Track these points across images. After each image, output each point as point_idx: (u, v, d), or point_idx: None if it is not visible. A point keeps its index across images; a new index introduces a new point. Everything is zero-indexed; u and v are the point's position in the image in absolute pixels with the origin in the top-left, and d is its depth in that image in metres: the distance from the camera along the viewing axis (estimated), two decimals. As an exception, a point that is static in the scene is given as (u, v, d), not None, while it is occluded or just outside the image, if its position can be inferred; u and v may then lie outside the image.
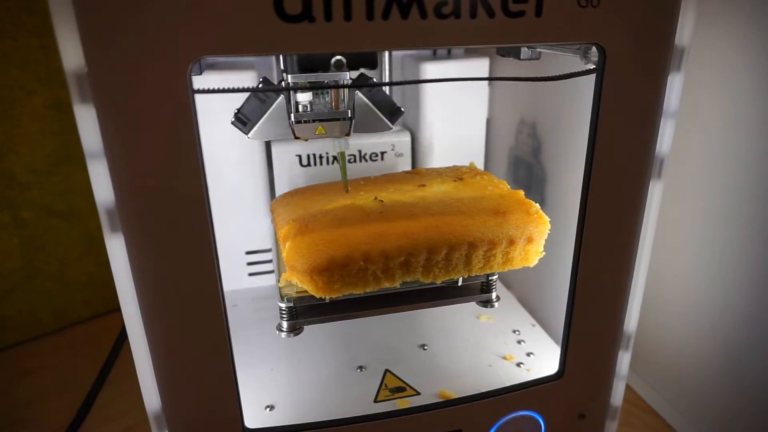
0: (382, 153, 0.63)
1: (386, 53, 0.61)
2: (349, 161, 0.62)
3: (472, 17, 0.33)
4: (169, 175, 0.33)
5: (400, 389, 0.49)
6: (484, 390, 0.47)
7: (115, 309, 0.90)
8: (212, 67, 0.57)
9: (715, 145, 0.56)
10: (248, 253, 0.66)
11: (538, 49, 0.47)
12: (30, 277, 0.83)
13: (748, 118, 0.53)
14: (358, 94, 0.45)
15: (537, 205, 0.46)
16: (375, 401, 0.48)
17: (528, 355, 0.54)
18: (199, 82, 0.34)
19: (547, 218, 0.45)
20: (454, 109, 0.64)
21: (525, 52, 0.47)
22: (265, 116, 0.44)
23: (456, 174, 0.52)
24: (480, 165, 0.67)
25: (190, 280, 0.36)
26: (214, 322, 0.37)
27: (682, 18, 0.37)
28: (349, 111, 0.45)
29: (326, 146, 0.61)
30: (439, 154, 0.65)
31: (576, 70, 0.41)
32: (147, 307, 0.36)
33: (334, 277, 0.41)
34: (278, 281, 0.46)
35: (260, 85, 0.48)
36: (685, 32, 0.38)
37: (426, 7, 0.32)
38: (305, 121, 0.44)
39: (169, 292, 0.36)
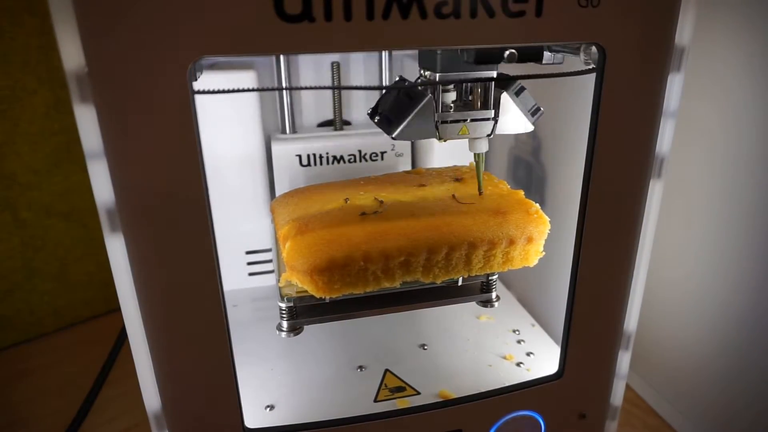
0: (382, 153, 0.63)
1: (386, 53, 0.61)
2: (350, 161, 0.62)
3: (472, 17, 0.33)
4: (169, 175, 0.33)
5: (400, 389, 0.49)
6: (484, 390, 0.47)
7: (115, 309, 0.89)
8: (212, 67, 0.57)
9: (715, 145, 0.56)
10: (248, 253, 0.66)
11: (560, 54, 0.45)
12: (30, 277, 0.83)
13: (747, 118, 0.53)
14: (505, 93, 0.43)
15: (537, 205, 0.46)
16: (375, 401, 0.48)
17: (528, 354, 0.54)
18: (199, 82, 0.34)
19: (547, 218, 0.45)
20: (454, 109, 0.64)
21: (547, 56, 0.44)
22: (411, 116, 0.42)
23: (456, 174, 0.52)
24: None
25: (190, 280, 0.36)
26: (214, 322, 0.37)
27: (682, 18, 0.37)
28: (494, 111, 0.43)
29: (326, 146, 0.61)
30: (439, 154, 0.65)
31: (575, 70, 0.41)
32: (147, 307, 0.36)
33: (334, 277, 0.41)
34: (278, 281, 0.46)
35: (405, 83, 0.46)
36: (685, 32, 0.38)
37: (426, 7, 0.32)
38: (452, 121, 0.42)
39: (169, 292, 0.36)
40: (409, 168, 0.65)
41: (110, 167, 0.32)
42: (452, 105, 0.43)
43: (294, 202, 0.49)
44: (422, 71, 0.44)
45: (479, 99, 0.43)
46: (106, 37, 0.29)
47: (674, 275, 0.63)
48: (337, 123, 0.64)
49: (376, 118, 0.44)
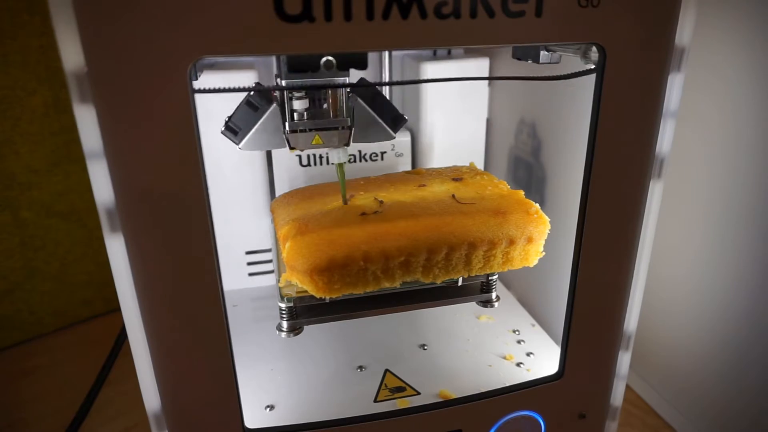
0: (382, 153, 0.63)
1: (386, 53, 0.61)
2: (350, 161, 0.62)
3: (472, 17, 0.33)
4: (169, 175, 0.33)
5: (400, 389, 0.49)
6: (484, 390, 0.47)
7: (115, 309, 0.90)
8: (212, 67, 0.57)
9: (714, 145, 0.56)
10: (248, 253, 0.66)
11: (558, 53, 0.45)
12: (30, 277, 0.83)
13: (747, 118, 0.53)
14: (359, 100, 0.42)
15: (537, 205, 0.46)
16: (375, 401, 0.48)
17: (528, 355, 0.54)
18: (199, 82, 0.34)
19: (547, 218, 0.45)
20: (454, 109, 0.64)
21: (544, 55, 0.44)
22: (257, 125, 0.41)
23: (456, 174, 0.52)
24: (480, 165, 0.67)
25: (190, 280, 0.36)
26: (214, 322, 0.37)
27: (682, 18, 0.37)
28: (349, 119, 0.41)
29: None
30: (439, 154, 0.65)
31: (576, 70, 0.41)
32: (147, 307, 0.36)
33: (334, 277, 0.41)
34: (278, 281, 0.46)
35: (252, 92, 0.44)
36: (685, 32, 0.38)
37: (426, 7, 0.32)
38: (301, 130, 0.41)
39: (169, 292, 0.36)
40: (409, 168, 0.65)
41: (110, 167, 0.32)
42: (304, 113, 0.40)
43: (294, 202, 0.49)
44: (276, 77, 0.42)
45: (331, 107, 0.41)
46: (106, 37, 0.29)
47: (674, 275, 0.63)
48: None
49: (222, 128, 0.43)
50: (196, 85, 0.32)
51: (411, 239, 0.42)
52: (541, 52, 0.45)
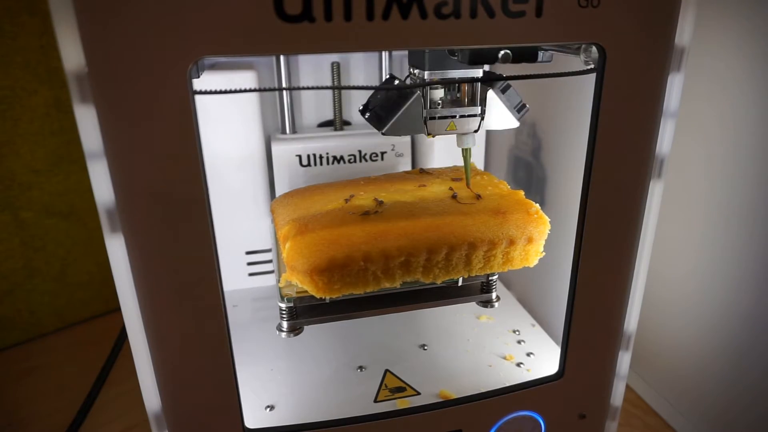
0: (382, 153, 0.63)
1: (386, 53, 0.61)
2: (350, 161, 0.62)
3: (472, 17, 0.33)
4: (170, 175, 0.33)
5: (400, 389, 0.49)
6: (484, 390, 0.47)
7: (115, 309, 0.90)
8: (212, 67, 0.57)
9: (714, 145, 0.56)
10: (248, 253, 0.66)
11: (549, 52, 0.45)
12: (30, 277, 0.83)
13: (747, 118, 0.53)
14: (491, 90, 0.45)
15: (537, 205, 0.46)
16: (375, 401, 0.48)
17: (528, 355, 0.54)
18: (199, 82, 0.34)
19: (547, 218, 0.45)
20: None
21: (540, 55, 0.45)
22: (401, 112, 0.44)
23: (456, 174, 0.52)
24: (480, 165, 0.67)
25: (190, 280, 0.36)
26: (214, 322, 0.37)
27: (682, 18, 0.37)
28: (480, 107, 0.45)
29: (326, 146, 0.61)
30: (439, 154, 0.65)
31: (576, 70, 0.41)
32: (147, 307, 0.36)
33: (334, 278, 0.41)
34: (278, 281, 0.46)
35: (387, 81, 0.48)
36: (685, 32, 0.38)
37: (426, 8, 0.32)
38: (439, 117, 0.44)
39: (169, 292, 0.36)
40: (409, 168, 0.65)
41: (110, 167, 0.32)
42: (440, 101, 0.44)
43: (294, 202, 0.49)
44: (411, 69, 0.45)
45: (466, 96, 0.44)
46: (106, 37, 0.29)
47: (674, 275, 0.63)
48: (337, 123, 0.64)
49: (367, 115, 0.46)
50: (197, 85, 0.32)
51: (411, 239, 0.42)
52: (539, 53, 0.45)
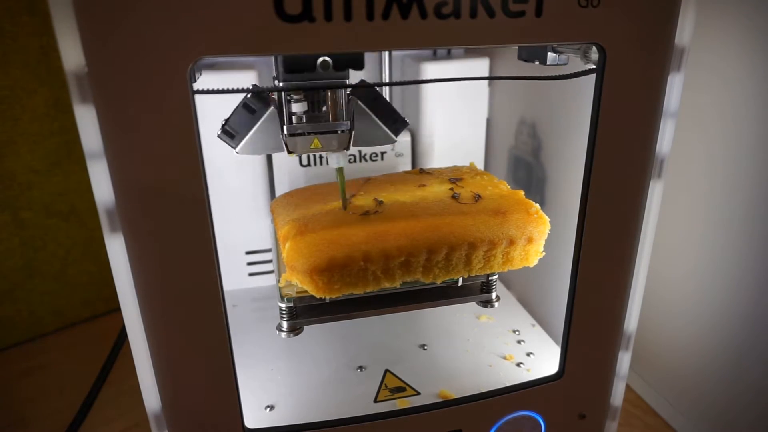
0: (382, 153, 0.63)
1: (386, 53, 0.61)
2: (350, 161, 0.62)
3: (472, 17, 0.33)
4: (169, 175, 0.33)
5: (400, 389, 0.49)
6: (484, 390, 0.47)
7: (115, 309, 0.90)
8: (212, 67, 0.57)
9: (715, 145, 0.56)
10: (248, 253, 0.66)
11: (566, 54, 0.44)
12: (30, 277, 0.83)
13: (747, 118, 0.53)
14: (359, 103, 0.41)
15: (537, 205, 0.46)
16: (375, 401, 0.48)
17: (528, 355, 0.54)
18: (199, 82, 0.34)
19: (547, 218, 0.45)
20: (454, 109, 0.64)
21: (552, 57, 0.43)
22: (255, 129, 0.41)
23: (456, 174, 0.52)
24: (480, 165, 0.67)
25: (190, 280, 0.36)
26: (214, 322, 0.37)
27: (682, 18, 0.37)
28: (349, 122, 0.41)
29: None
30: (439, 154, 0.65)
31: (576, 70, 0.41)
32: (147, 307, 0.36)
33: (334, 277, 0.41)
34: (278, 281, 0.46)
35: (249, 94, 0.43)
36: (685, 32, 0.38)
37: (426, 7, 0.32)
38: (299, 134, 0.40)
39: (169, 292, 0.36)
40: (409, 168, 0.65)
41: (110, 167, 0.32)
42: (302, 116, 0.40)
43: (294, 202, 0.49)
44: (274, 79, 0.41)
45: (331, 111, 0.40)
46: (106, 37, 0.29)
47: (674, 275, 0.63)
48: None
49: (218, 132, 0.42)
50: (196, 85, 0.32)
51: (411, 239, 0.42)
52: (549, 54, 0.43)
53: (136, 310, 0.36)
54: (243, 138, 0.41)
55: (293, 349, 0.55)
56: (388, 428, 0.45)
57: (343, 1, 0.31)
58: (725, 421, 0.59)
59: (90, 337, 0.86)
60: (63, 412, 0.67)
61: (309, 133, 0.40)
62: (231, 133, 0.41)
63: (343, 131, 0.40)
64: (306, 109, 0.40)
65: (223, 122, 0.43)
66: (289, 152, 0.40)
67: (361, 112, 0.42)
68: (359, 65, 0.37)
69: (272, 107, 0.41)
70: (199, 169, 0.33)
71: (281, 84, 0.39)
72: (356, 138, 0.42)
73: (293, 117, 0.39)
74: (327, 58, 0.36)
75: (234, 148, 0.41)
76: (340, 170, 0.44)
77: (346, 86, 0.40)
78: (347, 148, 0.42)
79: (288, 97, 0.39)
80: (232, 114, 0.43)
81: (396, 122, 0.43)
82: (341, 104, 0.41)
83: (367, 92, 0.43)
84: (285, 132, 0.40)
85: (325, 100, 0.40)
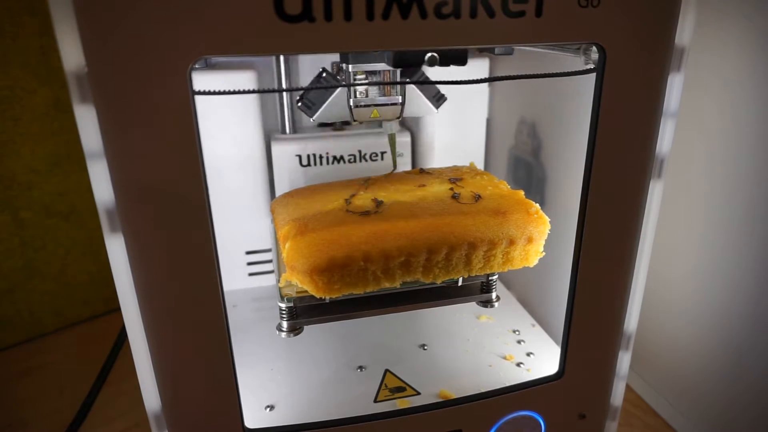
0: (382, 153, 0.63)
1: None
2: (350, 161, 0.62)
3: (472, 17, 0.33)
4: (169, 175, 0.33)
5: (400, 389, 0.49)
6: (484, 390, 0.47)
7: (115, 309, 0.90)
8: (212, 67, 0.57)
9: (715, 145, 0.56)
10: (248, 253, 0.66)
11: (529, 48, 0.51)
12: (30, 277, 0.83)
13: (747, 118, 0.53)
14: (408, 81, 0.49)
15: (537, 205, 0.46)
16: (375, 401, 0.48)
17: (528, 355, 0.54)
18: (199, 82, 0.34)
19: (547, 218, 0.45)
20: (454, 109, 0.64)
21: (498, 48, 0.51)
22: (329, 101, 0.49)
23: (456, 174, 0.52)
24: (480, 165, 0.67)
25: (190, 280, 0.36)
26: (214, 322, 0.37)
27: (682, 18, 0.37)
28: (400, 97, 0.49)
29: (326, 146, 0.61)
30: (439, 154, 0.65)
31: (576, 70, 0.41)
32: (147, 307, 0.36)
33: (334, 277, 0.41)
34: (278, 281, 0.46)
35: (321, 75, 0.52)
36: (685, 32, 0.38)
37: (426, 7, 0.32)
38: (363, 105, 0.48)
39: (169, 292, 0.36)
40: (409, 168, 0.65)
41: (110, 167, 0.32)
42: (364, 91, 0.48)
43: (294, 202, 0.49)
44: (341, 63, 0.49)
45: (386, 87, 0.49)
46: (106, 38, 0.29)
47: (674, 275, 0.63)
48: (337, 123, 0.64)
49: (299, 104, 0.51)
50: (196, 85, 0.32)
51: (411, 239, 0.42)
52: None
53: (136, 310, 0.36)
54: (318, 108, 0.49)
55: (293, 349, 0.55)
56: (388, 428, 0.45)
57: (343, 1, 0.31)
58: (725, 421, 0.59)
59: (90, 337, 0.86)
60: (63, 412, 0.67)
61: (369, 105, 0.48)
62: (308, 104, 0.50)
63: (395, 104, 0.49)
64: (367, 86, 0.48)
65: (300, 95, 0.51)
66: (354, 120, 0.49)
67: (410, 89, 0.50)
68: (463, 61, 0.42)
69: (343, 83, 0.49)
70: (199, 169, 0.33)
71: (350, 67, 0.46)
72: (405, 109, 0.50)
73: (357, 92, 0.48)
74: (435, 54, 0.41)
75: (311, 117, 0.50)
76: (392, 136, 0.52)
77: (399, 82, 0.49)
78: (399, 117, 0.50)
79: (354, 77, 0.47)
80: (309, 91, 0.51)
81: (438, 97, 0.52)
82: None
83: (416, 72, 0.52)
84: (351, 104, 0.48)
85: (383, 79, 0.49)
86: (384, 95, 0.49)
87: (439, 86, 0.53)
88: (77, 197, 0.84)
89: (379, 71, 0.47)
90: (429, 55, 0.41)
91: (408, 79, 0.50)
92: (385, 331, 0.58)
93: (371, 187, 0.50)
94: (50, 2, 0.29)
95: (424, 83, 0.51)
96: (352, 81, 0.47)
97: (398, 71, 0.48)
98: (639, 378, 0.71)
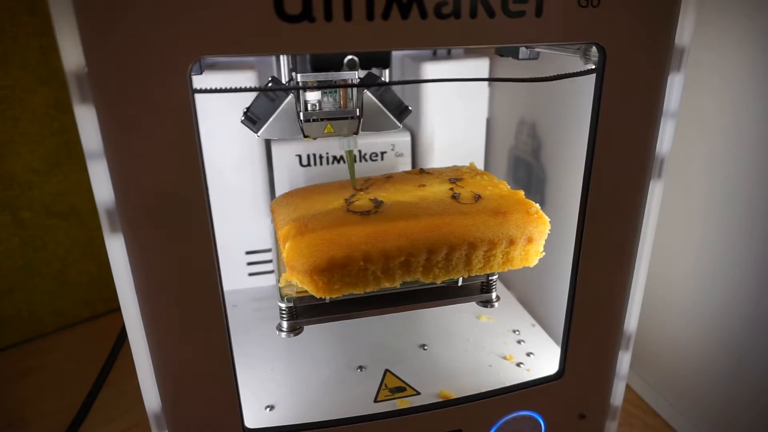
0: (382, 153, 0.63)
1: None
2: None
3: (472, 17, 0.33)
4: (169, 175, 0.33)
5: (400, 389, 0.49)
6: (484, 390, 0.47)
7: (115, 309, 0.90)
8: (212, 67, 0.57)
9: (715, 145, 0.56)
10: (248, 253, 0.66)
11: (537, 49, 0.47)
12: (30, 277, 0.83)
13: (748, 117, 0.53)
14: (367, 93, 0.45)
15: (537, 205, 0.46)
16: (375, 401, 0.48)
17: (528, 355, 0.54)
18: (199, 82, 0.34)
19: (547, 218, 0.45)
20: (454, 109, 0.64)
21: (523, 51, 0.47)
22: (275, 115, 0.45)
23: (456, 174, 0.52)
24: (480, 165, 0.67)
25: (190, 280, 0.36)
26: (214, 323, 0.37)
27: (682, 18, 0.37)
28: (358, 110, 0.45)
29: (326, 146, 0.61)
30: (439, 154, 0.65)
31: (576, 70, 0.41)
32: (147, 307, 0.36)
33: (334, 277, 0.41)
34: (278, 281, 0.46)
35: (269, 84, 0.48)
36: (685, 32, 0.38)
37: (426, 7, 0.32)
38: (314, 120, 0.44)
39: (169, 292, 0.36)
40: (409, 168, 0.65)
41: (110, 167, 0.32)
42: (317, 104, 0.44)
43: (294, 202, 0.49)
44: (291, 71, 0.45)
45: (342, 99, 0.45)
46: (106, 38, 0.29)
47: (675, 275, 0.63)
48: (337, 123, 0.64)
49: (242, 118, 0.47)
50: (197, 84, 0.32)
51: (411, 239, 0.42)
52: (520, 49, 0.47)
53: (136, 310, 0.36)
54: (264, 123, 0.45)
55: (293, 349, 0.55)
56: (388, 428, 0.45)
57: (343, 1, 0.31)
58: (725, 421, 0.59)
59: (90, 337, 0.86)
60: (63, 412, 0.67)
61: (322, 119, 0.44)
62: (253, 119, 0.46)
63: (352, 117, 0.45)
64: (320, 98, 0.44)
65: (245, 110, 0.47)
66: (305, 136, 0.45)
67: (368, 100, 0.45)
68: (385, 63, 0.40)
69: (290, 95, 0.44)
70: (199, 168, 0.33)
71: (299, 76, 0.42)
72: (364, 124, 0.46)
73: (308, 105, 0.44)
74: (354, 57, 0.39)
75: (256, 132, 0.45)
76: (349, 153, 0.48)
77: (356, 85, 0.44)
78: (356, 133, 0.46)
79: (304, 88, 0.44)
80: (253, 102, 0.47)
81: (400, 110, 0.48)
82: (351, 94, 0.45)
83: (374, 83, 0.47)
84: (301, 118, 0.44)
85: (337, 90, 0.44)
86: (339, 108, 0.45)
87: (436, 84, 0.50)
88: (77, 197, 0.84)
89: (334, 80, 0.43)
90: (348, 58, 0.39)
91: (371, 84, 0.46)
92: (385, 331, 0.58)
93: (371, 187, 0.50)
94: (50, 2, 0.29)
95: (417, 82, 0.50)
96: (300, 91, 0.43)
97: (356, 79, 0.44)
98: (639, 378, 0.71)
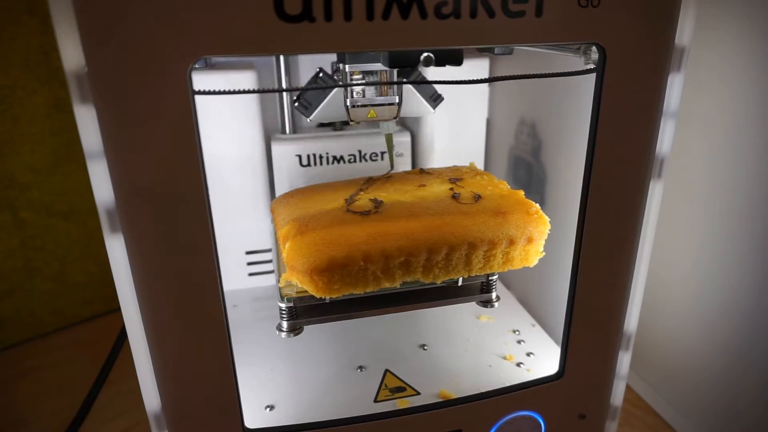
0: (382, 153, 0.63)
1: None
2: (350, 161, 0.62)
3: (472, 17, 0.33)
4: (169, 175, 0.33)
5: (400, 389, 0.49)
6: (484, 390, 0.47)
7: (115, 309, 0.90)
8: (212, 67, 0.57)
9: (715, 145, 0.56)
10: (248, 253, 0.66)
11: (537, 49, 0.49)
12: (30, 277, 0.83)
13: (748, 117, 0.53)
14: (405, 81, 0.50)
15: (537, 205, 0.46)
16: (375, 401, 0.48)
17: (528, 355, 0.54)
18: (199, 82, 0.34)
19: (547, 218, 0.45)
20: (454, 109, 0.64)
21: (498, 47, 0.51)
22: (325, 101, 0.50)
23: (456, 174, 0.52)
24: (480, 165, 0.67)
25: (190, 280, 0.36)
26: (214, 322, 0.37)
27: (682, 18, 0.37)
28: (397, 97, 0.49)
29: (326, 146, 0.61)
30: (439, 154, 0.65)
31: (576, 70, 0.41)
32: (147, 307, 0.36)
33: (334, 277, 0.41)
34: (278, 281, 0.46)
35: (319, 75, 0.53)
36: (685, 32, 0.38)
37: (426, 7, 0.32)
38: (359, 105, 0.48)
39: (169, 292, 0.36)
40: (409, 168, 0.65)
41: (110, 167, 0.32)
42: (361, 91, 0.49)
43: (294, 202, 0.49)
44: (338, 63, 0.50)
45: (383, 87, 0.49)
46: (106, 38, 0.29)
47: (674, 275, 0.63)
48: (337, 123, 0.64)
49: (296, 104, 0.51)
50: (197, 85, 0.32)
51: (411, 239, 0.42)
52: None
53: (136, 310, 0.36)
54: (315, 109, 0.50)
55: (293, 349, 0.55)
56: (388, 428, 0.45)
57: (343, 1, 0.31)
58: (725, 420, 0.59)
59: (90, 337, 0.86)
60: (63, 412, 0.67)
61: (366, 105, 0.48)
62: (305, 104, 0.51)
63: (392, 104, 0.49)
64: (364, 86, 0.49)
65: (298, 95, 0.52)
66: (350, 120, 0.49)
67: (407, 89, 0.50)
68: (458, 61, 0.42)
69: (339, 83, 0.49)
70: (199, 169, 0.33)
71: (347, 67, 0.47)
72: (403, 109, 0.50)
73: (354, 92, 0.48)
74: (431, 55, 0.41)
75: (308, 117, 0.50)
76: (389, 136, 0.53)
77: (397, 82, 0.49)
78: (396, 117, 0.50)
79: (351, 77, 0.48)
80: (306, 91, 0.52)
81: (434, 97, 0.53)
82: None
83: (413, 72, 0.52)
84: (348, 104, 0.48)
85: (380, 80, 0.49)
86: (381, 95, 0.49)
87: (437, 86, 0.53)
88: (77, 197, 0.84)
89: (376, 71, 0.48)
90: (425, 55, 0.41)
91: (405, 79, 0.50)
92: (385, 331, 0.58)
93: (371, 187, 0.50)
94: (50, 2, 0.29)
95: (422, 83, 0.51)
96: (348, 81, 0.47)
97: (395, 71, 0.49)
98: (639, 378, 0.71)
